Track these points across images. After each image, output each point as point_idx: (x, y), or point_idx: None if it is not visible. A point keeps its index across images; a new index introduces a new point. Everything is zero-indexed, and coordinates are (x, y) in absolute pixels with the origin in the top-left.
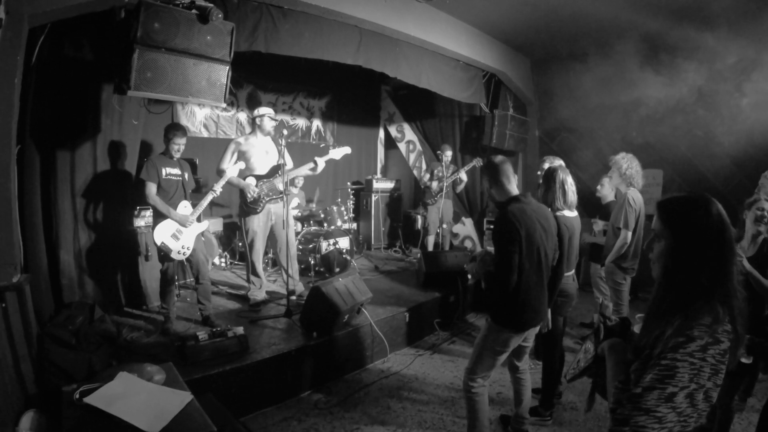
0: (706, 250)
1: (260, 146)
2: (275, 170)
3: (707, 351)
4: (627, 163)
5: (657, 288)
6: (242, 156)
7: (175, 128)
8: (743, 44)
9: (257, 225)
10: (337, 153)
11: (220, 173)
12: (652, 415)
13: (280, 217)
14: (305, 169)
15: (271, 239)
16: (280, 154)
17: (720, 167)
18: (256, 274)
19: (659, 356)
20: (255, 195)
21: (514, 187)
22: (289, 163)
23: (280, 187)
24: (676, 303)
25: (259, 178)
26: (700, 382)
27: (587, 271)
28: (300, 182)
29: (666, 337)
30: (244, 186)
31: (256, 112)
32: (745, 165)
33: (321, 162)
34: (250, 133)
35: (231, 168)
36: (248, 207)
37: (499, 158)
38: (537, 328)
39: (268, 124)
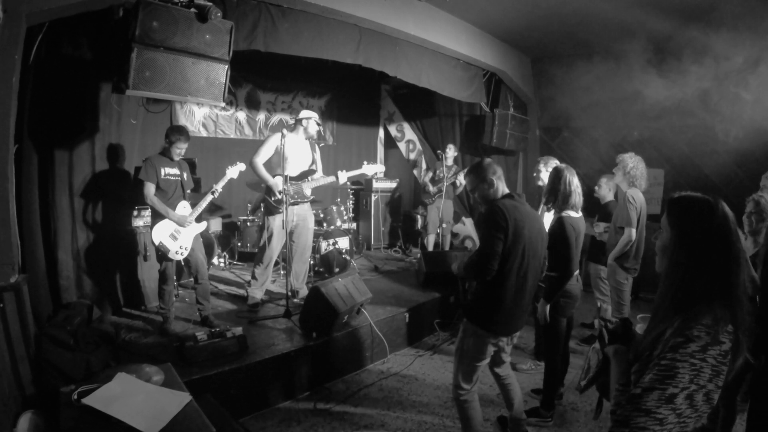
0: (708, 253)
1: (298, 148)
2: (305, 175)
3: (707, 351)
4: (633, 163)
5: (661, 286)
6: (279, 154)
7: (178, 132)
8: (747, 43)
9: (278, 224)
10: (370, 169)
11: (253, 165)
12: (652, 416)
13: (302, 218)
14: (327, 181)
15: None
16: (315, 161)
17: (722, 166)
18: (263, 272)
19: (659, 357)
20: (280, 195)
21: (504, 186)
22: (320, 170)
23: (307, 192)
24: (677, 303)
25: (287, 179)
26: (700, 383)
27: (588, 272)
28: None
29: (666, 337)
30: (272, 184)
31: (302, 114)
32: (747, 164)
33: (342, 177)
34: (292, 131)
35: (232, 169)
36: (272, 206)
37: (487, 160)
38: (513, 340)
39: (313, 128)
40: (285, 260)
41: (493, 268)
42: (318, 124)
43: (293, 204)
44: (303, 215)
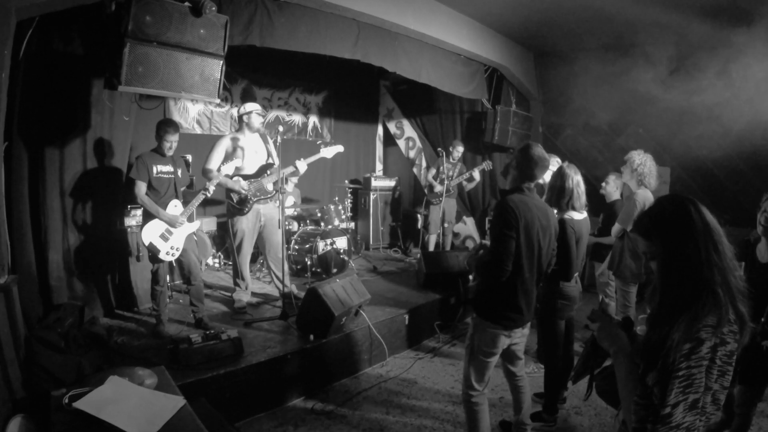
0: (694, 253)
1: (250, 145)
2: (263, 170)
3: (716, 352)
4: (641, 160)
5: (658, 293)
6: (231, 155)
7: (166, 124)
8: (756, 39)
9: (245, 226)
10: (329, 152)
11: (206, 173)
12: (682, 428)
13: (270, 218)
14: (287, 172)
15: (260, 241)
16: (270, 154)
17: (729, 164)
18: (242, 277)
19: (675, 368)
20: (242, 195)
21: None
22: (277, 163)
23: (269, 187)
24: (679, 302)
25: (246, 177)
26: (708, 384)
27: (593, 273)
28: (295, 180)
29: (675, 342)
30: (230, 186)
31: (242, 109)
32: (755, 162)
33: (302, 165)
34: (238, 131)
35: (227, 165)
36: (235, 208)
37: (534, 145)
38: (525, 330)
39: (257, 121)
40: (271, 262)
41: (508, 269)
42: (260, 115)
43: (257, 202)
44: (269, 215)
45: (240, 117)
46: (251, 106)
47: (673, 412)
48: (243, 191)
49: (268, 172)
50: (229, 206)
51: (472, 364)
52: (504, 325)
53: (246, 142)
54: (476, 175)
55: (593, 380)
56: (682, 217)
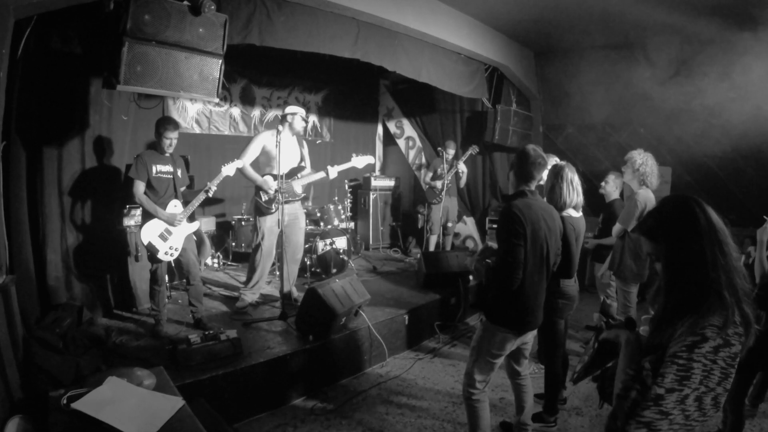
0: (699, 253)
1: (286, 145)
2: (294, 172)
3: (719, 353)
4: (642, 159)
5: (662, 294)
6: (266, 153)
7: (165, 121)
8: (756, 40)
9: (270, 225)
10: (360, 161)
11: (241, 167)
12: (670, 418)
13: (294, 218)
14: (317, 177)
15: (278, 239)
16: (304, 158)
17: (731, 163)
18: (255, 274)
19: (675, 354)
20: (271, 195)
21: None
22: (308, 167)
23: (298, 190)
24: (684, 303)
25: (276, 178)
26: (709, 386)
27: (593, 273)
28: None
29: (678, 334)
30: (261, 183)
31: (288, 110)
32: (756, 161)
33: (333, 172)
34: (278, 131)
35: (228, 166)
36: (263, 206)
37: (530, 147)
38: (534, 332)
39: (299, 124)
40: (279, 260)
41: (518, 278)
42: (304, 120)
43: (285, 203)
44: (294, 214)
45: (283, 116)
46: (297, 108)
47: (666, 396)
48: (270, 190)
49: (299, 175)
50: (258, 204)
51: (476, 364)
52: (518, 329)
53: (283, 142)
54: (462, 167)
55: (601, 388)
56: (687, 218)
